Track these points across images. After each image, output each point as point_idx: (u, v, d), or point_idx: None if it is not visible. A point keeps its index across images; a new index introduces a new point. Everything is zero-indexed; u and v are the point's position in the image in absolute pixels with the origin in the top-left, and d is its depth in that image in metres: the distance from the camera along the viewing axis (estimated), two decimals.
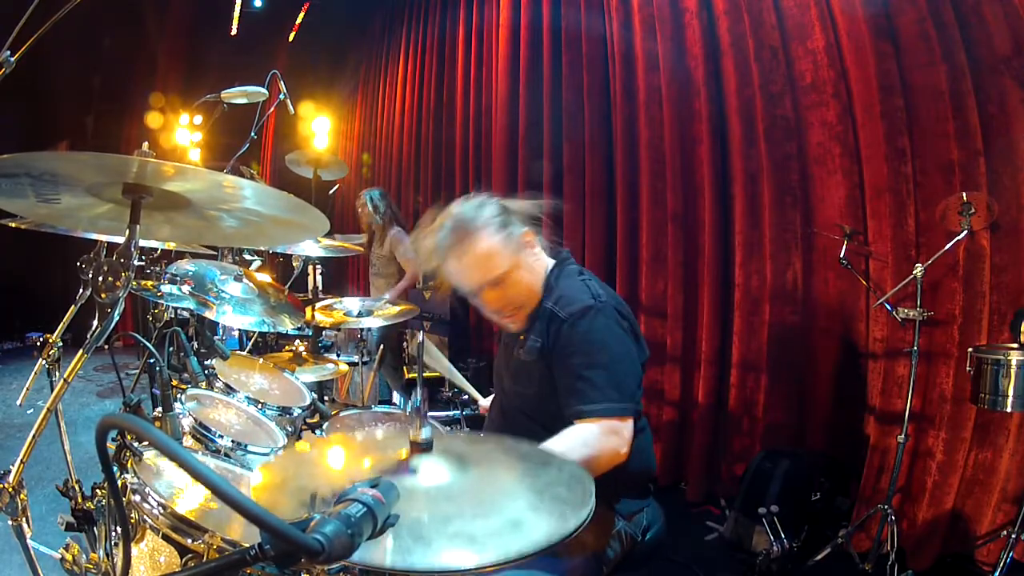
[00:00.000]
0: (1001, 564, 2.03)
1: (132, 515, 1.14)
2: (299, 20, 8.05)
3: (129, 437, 1.10)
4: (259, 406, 1.77)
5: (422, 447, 0.86)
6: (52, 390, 1.12)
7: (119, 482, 1.12)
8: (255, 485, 0.89)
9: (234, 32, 7.75)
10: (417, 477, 0.83)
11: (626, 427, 1.27)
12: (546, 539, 0.69)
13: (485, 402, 1.93)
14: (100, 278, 0.99)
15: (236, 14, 7.56)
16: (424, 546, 0.68)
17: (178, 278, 1.93)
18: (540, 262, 1.47)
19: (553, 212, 1.63)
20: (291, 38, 8.22)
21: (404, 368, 4.29)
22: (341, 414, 2.03)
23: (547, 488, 0.83)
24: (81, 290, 1.22)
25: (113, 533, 1.15)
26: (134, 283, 1.28)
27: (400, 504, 0.67)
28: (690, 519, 2.92)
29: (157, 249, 2.62)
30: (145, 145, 1.04)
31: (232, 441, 1.50)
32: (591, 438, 1.23)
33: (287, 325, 2.10)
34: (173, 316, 2.89)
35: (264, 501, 0.85)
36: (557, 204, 3.13)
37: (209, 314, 1.89)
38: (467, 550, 0.69)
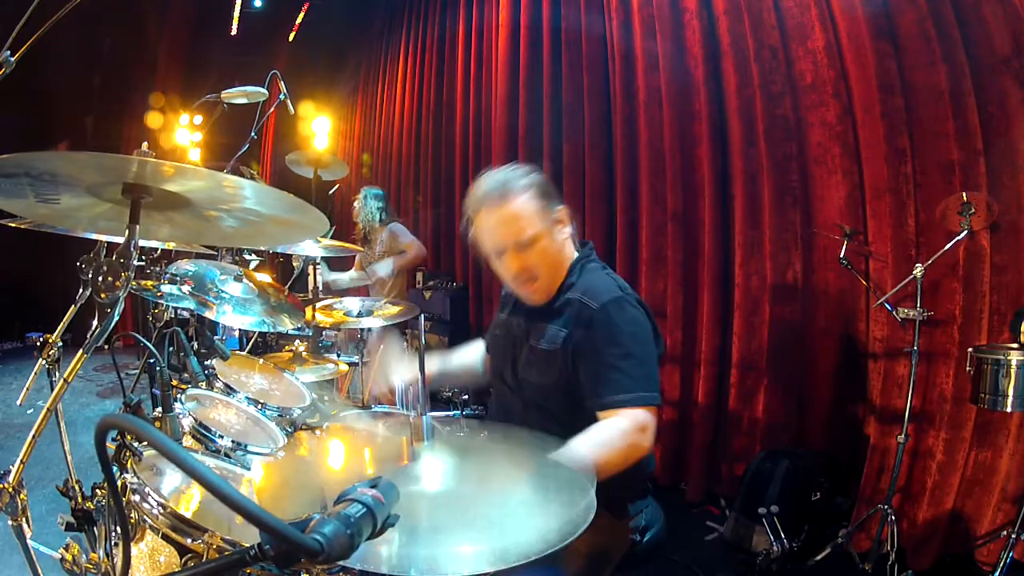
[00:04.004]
0: (1001, 564, 2.03)
1: (132, 515, 1.13)
2: (299, 20, 8.04)
3: (129, 437, 1.10)
4: (259, 406, 1.77)
5: (422, 444, 0.86)
6: (52, 390, 1.12)
7: (119, 482, 1.11)
8: (257, 485, 0.89)
9: (234, 32, 7.75)
10: (421, 474, 0.83)
11: (652, 421, 1.26)
12: (560, 526, 0.70)
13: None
14: (100, 278, 0.99)
15: (236, 14, 7.56)
16: (444, 537, 0.69)
17: (178, 278, 1.93)
18: (569, 244, 1.47)
19: None
20: (291, 38, 8.22)
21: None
22: (341, 414, 2.03)
23: (549, 477, 0.84)
24: (81, 290, 1.21)
25: (113, 533, 1.15)
26: (134, 283, 1.28)
27: (408, 500, 0.68)
28: (690, 519, 2.92)
29: (157, 249, 2.62)
30: (145, 145, 1.04)
31: (232, 441, 1.50)
32: (619, 434, 1.21)
33: (287, 325, 2.10)
34: (173, 316, 2.88)
35: (265, 501, 0.85)
36: None
37: (209, 314, 1.89)
38: (486, 539, 0.69)
